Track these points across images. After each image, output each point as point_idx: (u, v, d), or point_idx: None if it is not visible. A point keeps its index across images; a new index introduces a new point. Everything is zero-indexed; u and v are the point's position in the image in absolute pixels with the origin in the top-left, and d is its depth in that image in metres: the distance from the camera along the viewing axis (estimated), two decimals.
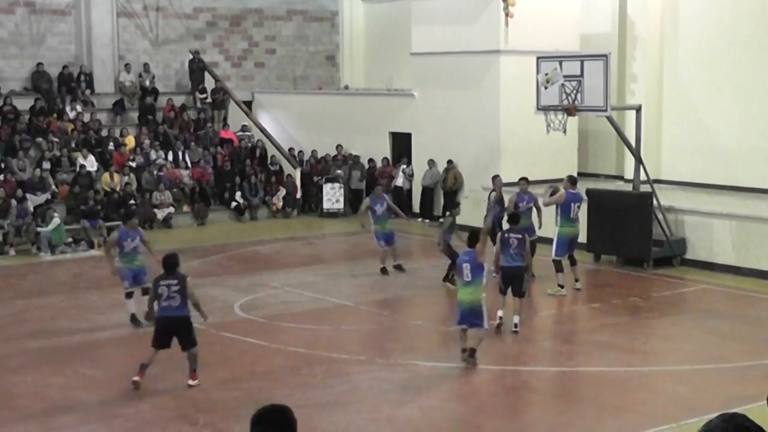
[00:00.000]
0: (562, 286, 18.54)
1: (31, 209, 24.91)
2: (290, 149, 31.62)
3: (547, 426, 12.03)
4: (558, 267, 18.72)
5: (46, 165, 27.44)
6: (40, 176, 26.60)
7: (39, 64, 30.83)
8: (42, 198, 25.70)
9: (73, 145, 28.77)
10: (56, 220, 24.07)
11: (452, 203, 27.29)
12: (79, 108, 30.52)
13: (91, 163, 27.98)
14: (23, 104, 29.76)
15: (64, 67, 31.20)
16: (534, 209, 19.87)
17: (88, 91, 31.48)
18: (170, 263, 13.31)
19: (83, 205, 25.70)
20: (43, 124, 29.20)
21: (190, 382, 13.30)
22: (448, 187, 27.46)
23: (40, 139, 28.41)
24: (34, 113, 29.54)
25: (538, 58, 22.16)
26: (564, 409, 12.51)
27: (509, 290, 16.07)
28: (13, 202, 24.93)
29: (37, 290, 20.15)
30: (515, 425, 12.08)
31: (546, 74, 21.63)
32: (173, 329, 13.24)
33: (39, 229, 24.06)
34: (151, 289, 13.55)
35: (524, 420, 12.28)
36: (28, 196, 25.47)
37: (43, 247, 23.76)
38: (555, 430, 11.89)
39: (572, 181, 19.62)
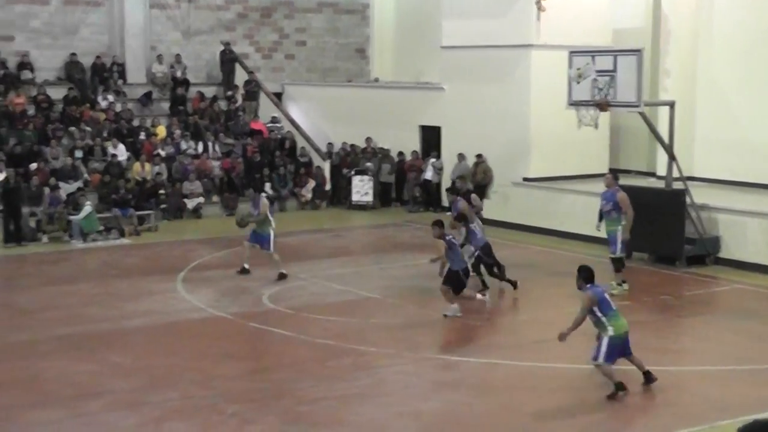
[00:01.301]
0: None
1: (64, 197, 25.10)
2: (328, 144, 31.65)
3: (575, 424, 11.96)
4: (621, 264, 18.60)
5: (79, 154, 27.66)
6: (72, 165, 26.80)
7: (72, 54, 31.02)
8: (74, 186, 25.86)
9: (105, 134, 28.95)
10: (88, 208, 24.22)
11: (481, 197, 27.29)
12: (111, 98, 30.70)
13: (122, 153, 28.15)
14: (57, 94, 29.98)
15: (97, 57, 31.41)
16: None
17: (120, 82, 31.65)
18: None
19: (114, 193, 25.85)
20: (75, 113, 29.40)
21: None
22: (477, 181, 27.36)
23: (72, 128, 28.63)
24: (67, 102, 29.75)
25: (570, 53, 22.02)
26: (593, 407, 12.43)
27: None
28: (46, 190, 25.15)
29: (69, 277, 20.29)
30: (542, 422, 12.03)
31: (578, 69, 21.51)
32: None
33: (71, 216, 24.23)
34: None
35: (551, 417, 12.21)
36: (60, 184, 25.64)
37: (75, 234, 23.93)
38: (584, 428, 11.82)
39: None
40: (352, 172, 29.86)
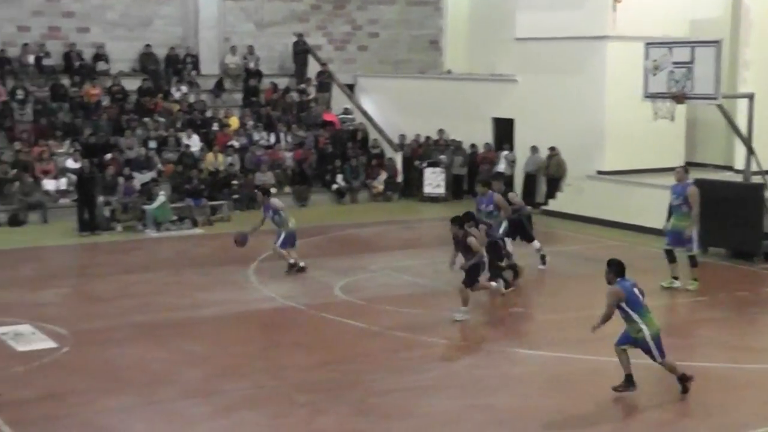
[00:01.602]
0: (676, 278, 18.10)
1: (138, 187, 25.36)
2: (400, 136, 31.59)
3: (646, 419, 11.75)
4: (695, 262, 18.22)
5: (153, 144, 27.94)
6: (146, 155, 27.09)
7: (147, 45, 31.37)
8: (148, 176, 26.12)
9: (178, 125, 29.20)
10: (161, 198, 24.45)
11: (555, 190, 27.03)
12: (184, 89, 30.97)
13: (195, 143, 28.39)
14: (131, 85, 30.34)
15: (171, 48, 31.72)
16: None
17: (193, 73, 31.91)
18: None
19: (187, 183, 26.06)
20: (149, 104, 29.71)
21: None
22: (550, 174, 27.14)
23: (146, 119, 28.94)
24: (141, 93, 30.08)
25: (646, 44, 21.69)
26: (664, 404, 12.20)
27: None
28: (121, 179, 25.45)
29: (142, 266, 20.47)
30: (613, 418, 11.84)
31: (654, 60, 21.17)
32: None
33: (145, 206, 24.48)
34: None
35: (623, 413, 12.02)
36: (134, 174, 25.95)
37: (149, 224, 24.17)
38: (657, 427, 11.60)
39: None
40: (425, 164, 29.76)
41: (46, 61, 29.93)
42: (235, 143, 28.97)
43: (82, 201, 24.01)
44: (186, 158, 27.48)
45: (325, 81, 32.99)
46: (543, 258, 19.49)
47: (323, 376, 13.19)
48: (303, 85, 32.75)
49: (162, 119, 29.12)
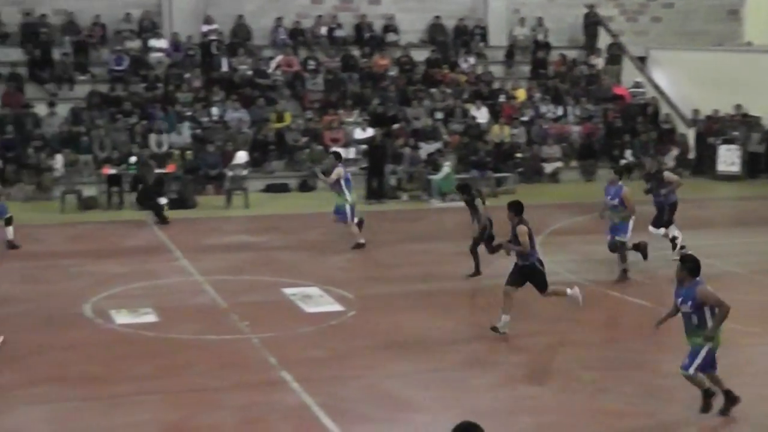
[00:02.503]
0: None
1: (424, 157, 25.58)
2: (693, 111, 30.30)
3: None
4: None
5: (439, 115, 28.10)
6: (432, 126, 27.28)
7: (436, 17, 31.52)
8: (434, 147, 26.30)
9: (465, 96, 29.21)
10: (446, 169, 24.57)
11: None
12: (472, 60, 30.93)
13: (483, 115, 28.31)
14: (419, 56, 30.61)
15: (460, 20, 31.73)
16: None
17: (481, 44, 31.81)
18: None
19: (473, 155, 26.04)
20: (437, 75, 29.87)
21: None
22: None
23: (433, 90, 29.12)
24: (429, 65, 30.29)
25: None
26: None
27: None
28: (407, 149, 25.75)
29: (426, 235, 20.60)
30: None
31: None
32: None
33: (430, 176, 24.66)
34: None
35: None
36: (420, 144, 26.19)
37: (434, 194, 24.36)
38: None
39: None
40: (719, 141, 28.34)
41: (337, 33, 30.71)
42: (524, 117, 28.65)
43: (371, 170, 24.48)
44: (472, 130, 27.48)
45: (615, 53, 32.04)
46: (678, 246, 17.83)
47: (607, 354, 12.79)
48: (593, 56, 31.95)
49: (449, 90, 29.22)
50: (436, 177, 24.54)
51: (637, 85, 31.38)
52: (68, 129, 25.60)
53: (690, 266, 10.43)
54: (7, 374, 11.86)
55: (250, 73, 28.57)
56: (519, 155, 27.17)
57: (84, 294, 15.34)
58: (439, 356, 12.66)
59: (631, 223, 16.54)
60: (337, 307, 14.79)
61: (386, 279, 16.80)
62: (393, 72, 29.80)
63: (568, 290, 13.90)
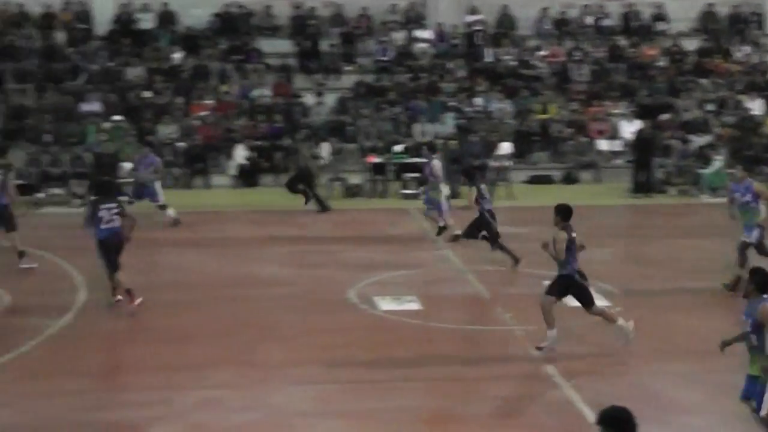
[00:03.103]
0: None
1: (694, 150, 24.66)
2: None
3: None
4: None
5: (710, 107, 27.02)
6: (703, 118, 26.28)
7: (709, 4, 30.30)
8: (704, 140, 25.30)
9: (738, 87, 27.92)
10: (718, 163, 23.58)
11: None
12: (747, 49, 29.51)
13: (757, 107, 26.99)
14: (690, 45, 29.55)
15: (734, 7, 30.37)
16: None
17: (757, 32, 30.29)
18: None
19: (747, 149, 24.82)
20: (709, 65, 28.72)
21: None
22: None
23: (704, 80, 28.02)
24: (700, 54, 29.18)
25: None
26: None
27: None
28: (676, 142, 24.88)
29: (695, 231, 19.77)
30: None
31: None
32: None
33: (700, 170, 23.73)
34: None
35: None
36: (690, 137, 25.26)
37: (704, 188, 23.45)
38: None
39: None
40: None
41: (605, 22, 30.07)
42: None
43: (639, 162, 23.80)
44: (746, 122, 26.22)
45: None
46: None
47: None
48: None
49: (721, 81, 28.00)
50: (707, 171, 23.57)
51: None
52: (335, 118, 26.28)
53: (758, 280, 8.95)
54: (278, 354, 12.20)
55: (514, 63, 28.40)
56: None
57: (349, 279, 15.61)
58: (710, 357, 11.99)
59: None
60: (602, 303, 14.34)
61: (652, 275, 16.21)
62: (662, 62, 28.86)
63: (620, 320, 12.25)
